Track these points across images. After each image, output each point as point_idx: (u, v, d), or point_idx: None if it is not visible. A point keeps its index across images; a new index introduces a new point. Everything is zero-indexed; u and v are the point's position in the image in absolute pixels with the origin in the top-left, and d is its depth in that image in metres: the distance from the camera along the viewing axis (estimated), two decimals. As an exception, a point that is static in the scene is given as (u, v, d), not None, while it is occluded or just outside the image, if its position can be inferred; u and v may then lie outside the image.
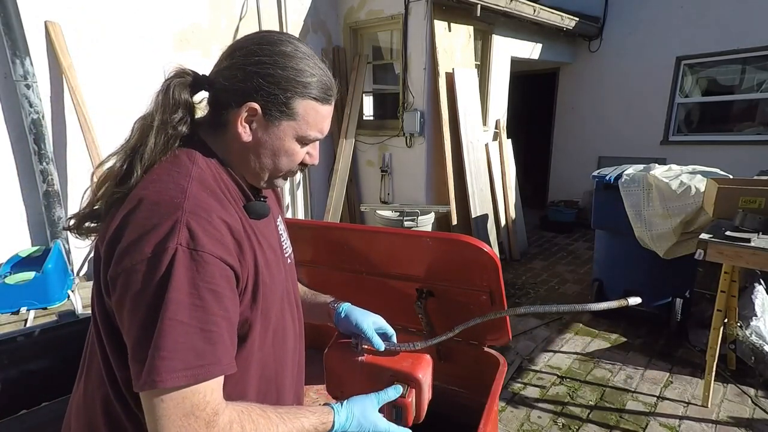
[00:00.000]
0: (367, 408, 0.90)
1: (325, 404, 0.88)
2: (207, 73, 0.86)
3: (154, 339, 0.65)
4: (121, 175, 0.78)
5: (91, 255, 3.72)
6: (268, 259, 0.85)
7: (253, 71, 0.78)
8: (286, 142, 0.84)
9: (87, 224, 0.82)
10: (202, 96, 0.86)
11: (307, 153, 0.89)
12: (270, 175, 0.88)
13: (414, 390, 1.02)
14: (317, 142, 0.90)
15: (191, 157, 0.80)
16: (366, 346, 1.06)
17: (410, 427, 0.99)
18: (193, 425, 0.66)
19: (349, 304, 1.15)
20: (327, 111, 0.86)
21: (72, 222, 0.82)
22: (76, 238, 0.83)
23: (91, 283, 3.09)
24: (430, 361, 1.07)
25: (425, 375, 1.03)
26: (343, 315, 1.11)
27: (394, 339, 1.11)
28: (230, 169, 0.85)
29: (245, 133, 0.81)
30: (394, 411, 0.98)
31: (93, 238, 0.82)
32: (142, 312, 0.67)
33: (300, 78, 0.80)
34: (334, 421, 0.85)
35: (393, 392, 0.97)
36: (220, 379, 0.71)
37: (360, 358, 1.05)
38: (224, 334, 0.71)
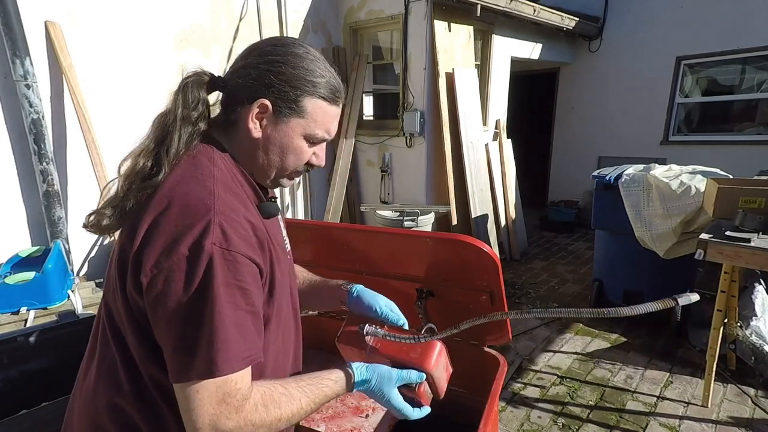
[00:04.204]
0: (384, 381, 0.92)
1: (347, 365, 0.92)
2: (221, 74, 0.89)
3: (205, 332, 0.70)
4: (147, 171, 0.80)
5: (93, 254, 3.70)
6: (278, 255, 0.89)
7: (265, 69, 0.82)
8: (295, 139, 0.86)
9: (107, 222, 0.82)
10: (215, 97, 0.90)
11: (314, 153, 0.91)
12: (277, 173, 0.90)
13: (424, 382, 0.99)
14: (324, 144, 0.92)
15: (210, 157, 0.83)
16: (374, 332, 1.00)
17: (411, 427, 0.98)
18: (224, 412, 0.71)
19: (362, 285, 1.13)
20: (334, 112, 0.89)
21: (92, 218, 0.83)
22: (95, 234, 0.84)
23: (91, 283, 3.08)
24: (443, 348, 1.02)
25: (436, 364, 0.99)
26: (355, 295, 1.10)
27: (405, 326, 1.06)
28: (242, 168, 0.88)
29: (255, 129, 0.84)
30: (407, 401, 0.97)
31: (110, 236, 0.84)
32: (186, 309, 0.70)
33: (309, 77, 0.84)
34: (353, 381, 0.90)
35: (415, 376, 0.95)
36: (249, 367, 0.76)
37: (368, 346, 1.01)
38: (252, 327, 0.76)
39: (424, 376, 0.96)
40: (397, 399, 0.93)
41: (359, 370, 0.91)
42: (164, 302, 0.71)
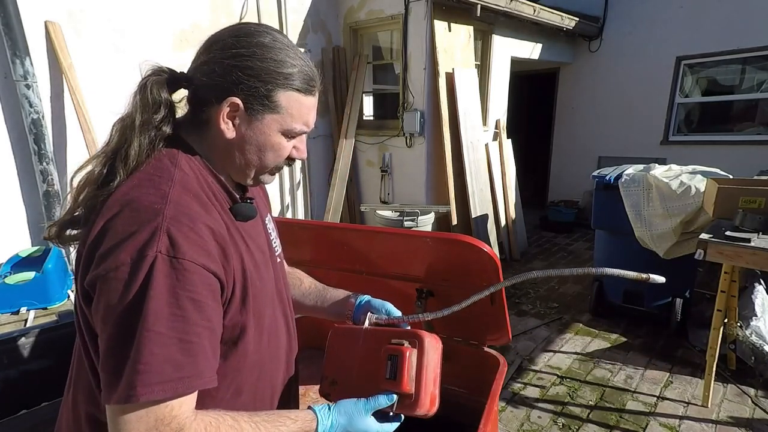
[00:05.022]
0: (354, 415, 0.84)
1: (309, 408, 0.83)
2: (185, 70, 0.83)
3: (131, 351, 0.63)
4: (102, 178, 0.75)
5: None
6: (256, 260, 0.84)
7: (231, 65, 0.76)
8: (272, 136, 0.81)
9: (68, 232, 0.79)
10: (181, 94, 0.84)
11: (294, 147, 0.86)
12: (256, 172, 0.85)
13: (414, 350, 0.92)
14: (304, 136, 0.87)
15: (173, 159, 0.77)
16: (377, 321, 1.04)
17: (411, 427, 0.97)
18: None
19: (369, 296, 1.13)
20: (311, 102, 0.84)
21: (53, 230, 0.79)
22: (59, 246, 0.83)
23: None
24: (439, 341, 0.97)
25: (430, 338, 0.95)
26: (363, 303, 1.10)
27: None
28: (214, 169, 0.83)
29: (228, 129, 0.79)
30: (389, 363, 0.91)
31: (76, 245, 0.80)
32: (117, 321, 0.64)
33: (280, 69, 0.78)
34: (317, 429, 0.80)
35: (384, 399, 0.87)
36: (195, 392, 0.69)
37: (364, 325, 1.02)
38: (206, 344, 0.69)
39: (395, 398, 0.88)
40: (374, 426, 0.85)
41: (322, 411, 0.82)
42: (99, 312, 0.66)
